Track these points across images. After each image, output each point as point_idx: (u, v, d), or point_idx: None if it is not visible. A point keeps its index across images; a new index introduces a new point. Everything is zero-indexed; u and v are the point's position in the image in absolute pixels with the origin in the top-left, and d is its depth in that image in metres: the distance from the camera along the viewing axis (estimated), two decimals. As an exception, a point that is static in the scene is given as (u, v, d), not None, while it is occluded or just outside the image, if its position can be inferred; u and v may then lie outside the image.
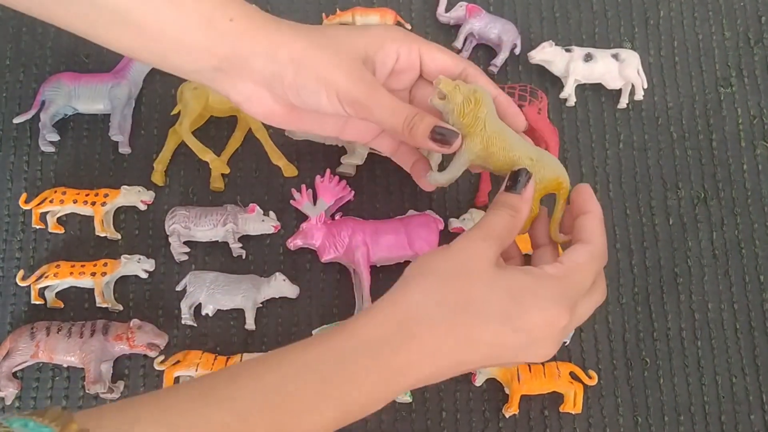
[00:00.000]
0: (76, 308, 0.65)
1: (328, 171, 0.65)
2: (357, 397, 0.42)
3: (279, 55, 0.48)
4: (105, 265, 0.64)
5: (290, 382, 0.41)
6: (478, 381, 0.63)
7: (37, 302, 0.64)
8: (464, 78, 0.52)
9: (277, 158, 0.68)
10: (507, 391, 0.63)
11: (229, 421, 0.39)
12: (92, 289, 0.64)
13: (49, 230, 0.66)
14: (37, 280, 0.64)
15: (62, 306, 0.65)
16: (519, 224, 0.48)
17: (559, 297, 0.45)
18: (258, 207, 0.65)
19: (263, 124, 0.68)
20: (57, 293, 0.65)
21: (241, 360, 0.61)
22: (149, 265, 0.65)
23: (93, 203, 0.66)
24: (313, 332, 0.63)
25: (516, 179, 0.48)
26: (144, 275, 0.65)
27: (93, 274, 0.64)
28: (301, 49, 0.49)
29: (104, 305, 0.64)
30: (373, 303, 0.45)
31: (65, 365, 0.63)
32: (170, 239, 0.65)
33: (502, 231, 0.47)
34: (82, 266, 0.64)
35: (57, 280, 0.64)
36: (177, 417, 0.39)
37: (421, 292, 0.44)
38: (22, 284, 0.65)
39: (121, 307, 0.65)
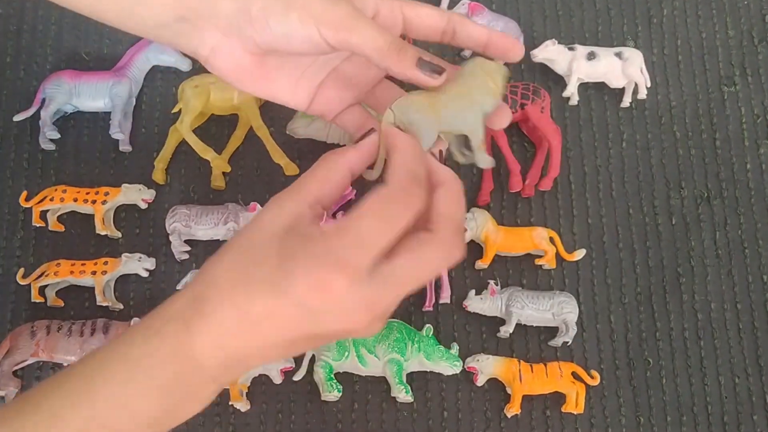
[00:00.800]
0: (77, 307, 0.65)
1: (329, 169, 0.65)
2: (157, 386, 0.38)
3: None
4: (105, 263, 0.64)
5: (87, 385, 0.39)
6: (480, 381, 0.63)
7: (38, 301, 0.64)
8: (453, 28, 0.48)
9: (279, 157, 0.68)
10: (509, 391, 0.63)
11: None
12: (93, 288, 0.64)
13: (50, 228, 0.66)
14: (37, 278, 0.64)
15: (62, 305, 0.65)
16: (335, 171, 0.42)
17: (324, 256, 0.37)
18: (259, 205, 0.65)
19: (264, 122, 0.68)
20: (57, 292, 0.65)
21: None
22: (150, 263, 0.65)
23: (93, 201, 0.66)
24: None
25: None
26: (145, 274, 0.65)
27: (93, 273, 0.64)
28: None
29: (105, 304, 0.64)
30: None
31: (65, 364, 0.62)
32: (171, 238, 0.65)
33: (314, 185, 0.41)
34: (83, 265, 0.64)
35: (57, 278, 0.64)
36: None
37: (217, 263, 0.40)
38: (23, 283, 0.64)
39: (121, 306, 0.65)
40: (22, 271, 0.65)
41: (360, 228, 0.37)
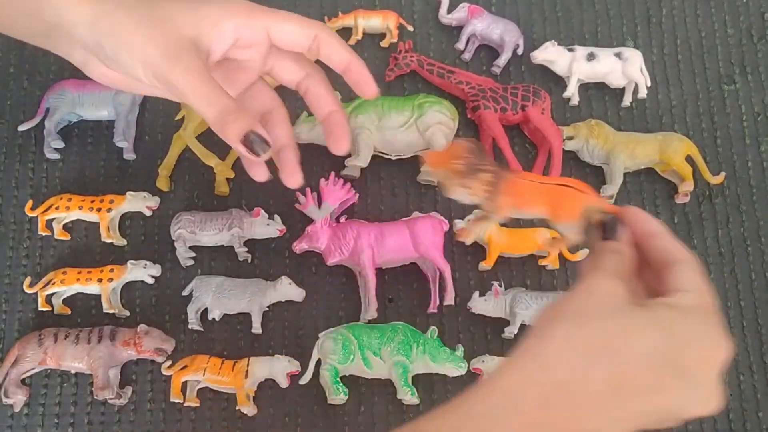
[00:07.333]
0: (84, 314, 0.65)
1: (332, 174, 0.65)
2: None
3: (99, 26, 0.46)
4: (111, 271, 0.65)
5: None
6: (486, 382, 0.63)
7: (45, 309, 0.64)
8: (318, 46, 0.49)
9: (282, 162, 0.68)
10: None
11: None
12: (99, 296, 0.64)
13: (55, 237, 0.67)
14: (44, 287, 0.64)
15: (69, 312, 0.65)
16: (628, 265, 0.44)
17: (710, 326, 0.40)
18: (263, 211, 0.66)
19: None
20: (64, 300, 0.65)
21: (248, 364, 0.62)
22: (155, 270, 0.65)
23: (98, 209, 0.66)
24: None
25: (610, 229, 0.45)
26: (150, 281, 0.65)
27: (99, 280, 0.64)
28: (120, 19, 0.46)
29: (111, 311, 0.64)
30: (509, 357, 0.40)
31: (73, 371, 0.63)
32: (176, 244, 0.65)
33: (619, 271, 0.42)
34: (89, 272, 0.65)
35: (64, 286, 0.64)
36: None
37: (559, 340, 0.39)
38: (29, 291, 0.65)
39: (128, 313, 0.65)
40: (28, 279, 0.65)
41: (713, 303, 0.43)
